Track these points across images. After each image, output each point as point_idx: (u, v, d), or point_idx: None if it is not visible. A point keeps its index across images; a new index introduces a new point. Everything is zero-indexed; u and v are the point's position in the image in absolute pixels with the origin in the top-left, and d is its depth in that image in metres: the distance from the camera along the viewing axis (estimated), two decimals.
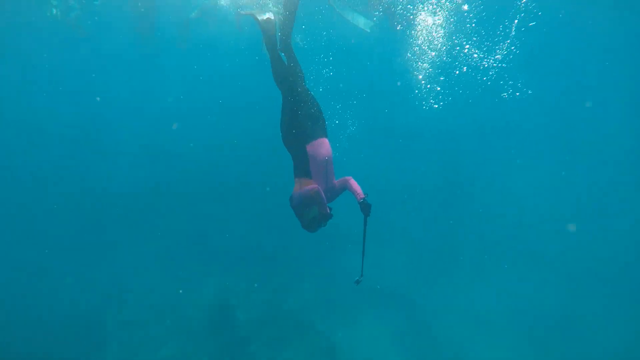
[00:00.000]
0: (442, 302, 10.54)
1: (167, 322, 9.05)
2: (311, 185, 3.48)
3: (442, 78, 12.10)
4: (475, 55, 10.96)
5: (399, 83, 15.12)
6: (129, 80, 15.51)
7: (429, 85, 11.71)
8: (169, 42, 13.37)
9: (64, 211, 11.74)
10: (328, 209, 3.50)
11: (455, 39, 9.99)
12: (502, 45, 10.58)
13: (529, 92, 14.92)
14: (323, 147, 3.75)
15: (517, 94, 14.40)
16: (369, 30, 11.93)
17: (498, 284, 11.31)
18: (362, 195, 3.56)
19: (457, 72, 11.65)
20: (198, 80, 16.66)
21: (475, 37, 10.17)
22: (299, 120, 3.77)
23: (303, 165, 3.65)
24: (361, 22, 11.30)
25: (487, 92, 14.35)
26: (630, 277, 11.69)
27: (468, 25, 9.74)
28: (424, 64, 10.65)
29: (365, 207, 3.51)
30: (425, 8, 8.95)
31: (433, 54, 10.16)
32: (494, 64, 11.14)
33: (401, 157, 16.59)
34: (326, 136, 3.90)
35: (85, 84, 15.12)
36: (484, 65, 11.14)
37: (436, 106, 13.06)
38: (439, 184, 15.29)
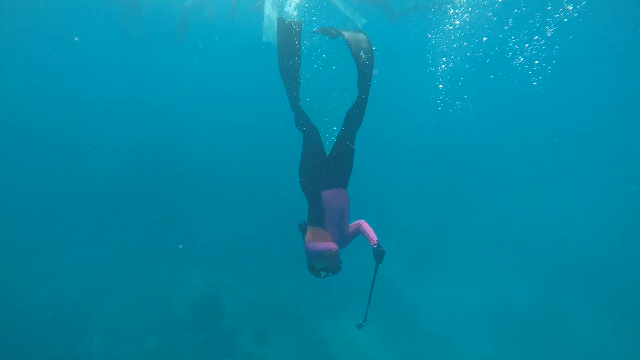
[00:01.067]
0: (430, 297, 10.47)
1: (151, 313, 8.87)
2: (330, 245, 3.30)
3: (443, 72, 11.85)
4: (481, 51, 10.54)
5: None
6: (116, 76, 14.90)
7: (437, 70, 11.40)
8: (163, 35, 13.14)
9: (49, 203, 11.55)
10: (339, 263, 3.38)
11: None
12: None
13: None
14: (340, 197, 3.63)
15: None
16: (360, 26, 11.78)
17: (485, 281, 11.28)
18: (376, 241, 3.43)
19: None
20: (195, 77, 16.29)
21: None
22: (323, 168, 3.64)
23: (317, 212, 3.52)
24: (355, 16, 11.17)
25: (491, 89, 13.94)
26: (616, 278, 11.59)
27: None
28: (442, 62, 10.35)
29: (378, 254, 3.37)
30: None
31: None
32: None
33: (397, 153, 16.38)
34: (345, 187, 3.76)
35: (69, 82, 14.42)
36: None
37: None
38: (433, 181, 15.12)
